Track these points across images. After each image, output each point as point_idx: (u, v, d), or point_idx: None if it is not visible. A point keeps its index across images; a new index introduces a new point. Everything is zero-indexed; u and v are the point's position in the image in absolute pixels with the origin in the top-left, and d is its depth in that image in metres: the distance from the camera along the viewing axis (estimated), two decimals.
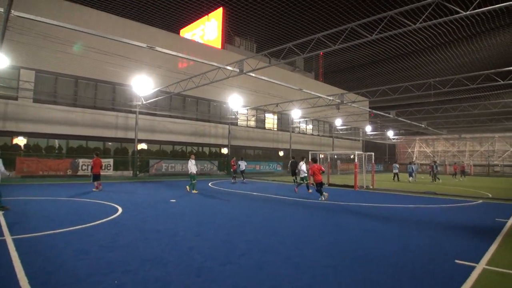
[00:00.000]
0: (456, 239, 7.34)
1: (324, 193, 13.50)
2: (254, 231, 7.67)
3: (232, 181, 21.63)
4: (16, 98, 20.29)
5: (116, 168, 23.05)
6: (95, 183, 14.69)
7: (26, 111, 20.57)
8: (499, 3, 10.74)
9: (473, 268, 5.24)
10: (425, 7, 11.63)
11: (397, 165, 29.77)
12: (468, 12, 10.69)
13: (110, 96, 24.28)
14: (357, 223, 9.16)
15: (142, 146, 25.90)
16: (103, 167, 19.64)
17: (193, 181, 15.20)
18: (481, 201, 14.42)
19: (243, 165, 23.04)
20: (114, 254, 5.52)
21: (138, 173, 23.85)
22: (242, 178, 22.82)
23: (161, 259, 5.34)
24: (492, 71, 18.33)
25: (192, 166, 15.17)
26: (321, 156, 24.87)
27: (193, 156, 15.66)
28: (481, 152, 51.50)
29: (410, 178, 28.07)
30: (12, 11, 11.46)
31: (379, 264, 5.47)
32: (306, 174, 16.59)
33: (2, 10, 11.59)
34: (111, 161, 22.72)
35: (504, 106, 31.61)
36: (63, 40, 20.09)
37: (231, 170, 22.75)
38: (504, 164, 48.35)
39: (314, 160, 14.40)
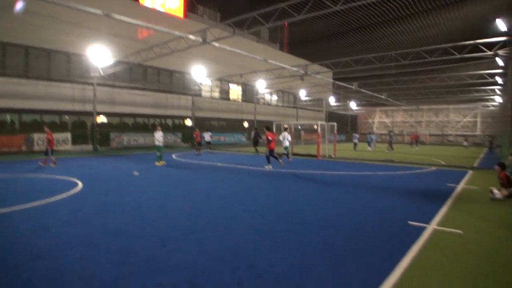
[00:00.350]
0: (410, 203, 7.90)
1: (280, 160, 14.37)
2: (219, 201, 7.81)
3: (197, 153, 21.56)
4: None
5: (74, 142, 22.13)
6: (44, 158, 14.06)
7: None
8: None
9: (424, 228, 5.70)
10: None
11: (357, 135, 30.74)
12: None
13: (65, 67, 22.86)
14: (319, 190, 9.57)
15: (102, 119, 24.93)
16: (60, 142, 18.79)
17: (158, 153, 15.26)
18: (434, 168, 15.43)
19: (208, 136, 23.06)
20: (75, 229, 5.44)
21: (98, 147, 23.08)
22: (208, 149, 22.95)
23: (124, 231, 5.34)
24: (450, 45, 19.13)
25: (159, 137, 15.29)
26: (285, 126, 25.25)
27: (159, 128, 15.68)
28: (436, 122, 54.40)
29: (369, 147, 29.32)
30: None
31: (338, 227, 5.82)
32: (287, 144, 16.85)
33: None
34: (68, 135, 21.75)
35: (459, 79, 33.28)
36: (9, 7, 18.40)
37: (195, 142, 22.57)
38: (457, 134, 51.52)
39: (268, 129, 14.78)
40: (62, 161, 15.48)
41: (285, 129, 17.16)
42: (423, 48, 20.59)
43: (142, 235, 5.17)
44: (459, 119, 52.50)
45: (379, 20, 33.23)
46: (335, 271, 3.97)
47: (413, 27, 34.34)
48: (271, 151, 14.08)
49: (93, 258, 4.21)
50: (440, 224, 6.01)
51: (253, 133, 22.13)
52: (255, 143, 21.83)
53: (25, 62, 21.02)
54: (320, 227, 5.81)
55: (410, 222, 6.04)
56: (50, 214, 6.32)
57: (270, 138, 14.09)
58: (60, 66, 22.59)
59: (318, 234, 5.41)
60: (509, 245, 5.13)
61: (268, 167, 14.05)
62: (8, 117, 20.82)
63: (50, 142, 13.98)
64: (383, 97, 39.70)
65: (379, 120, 60.33)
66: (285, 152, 16.85)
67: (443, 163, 17.78)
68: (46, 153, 14.05)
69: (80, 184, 9.54)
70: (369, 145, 29.80)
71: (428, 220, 6.18)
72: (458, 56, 19.86)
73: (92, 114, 23.21)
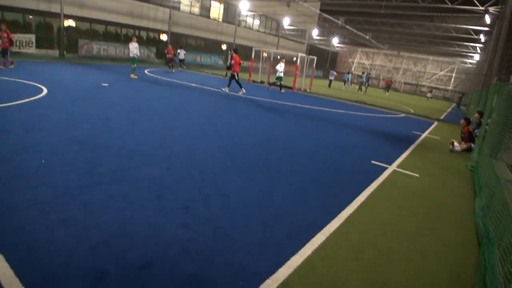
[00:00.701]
0: (376, 145, 8.24)
1: (242, 89, 14.41)
2: (189, 120, 7.75)
3: (169, 70, 20.75)
4: None
5: (38, 45, 20.44)
6: (3, 60, 12.76)
7: None
8: None
9: (385, 168, 6.04)
10: None
11: (334, 73, 30.69)
12: None
13: None
14: (290, 121, 9.69)
15: (70, 23, 22.90)
16: (23, 44, 17.26)
17: (133, 65, 14.96)
18: (403, 115, 15.91)
19: (182, 53, 22.16)
20: (39, 135, 5.25)
21: (65, 53, 21.56)
22: (180, 68, 22.23)
23: (91, 141, 5.22)
24: None
25: (134, 49, 14.90)
26: (265, 54, 24.54)
27: (134, 39, 15.21)
28: (413, 72, 54.75)
29: (344, 86, 29.49)
30: None
31: (306, 158, 6.02)
32: (281, 74, 17.04)
33: None
34: (33, 37, 19.97)
35: (445, 30, 32.81)
36: None
37: (167, 58, 21.50)
38: (430, 86, 52.38)
39: (236, 51, 14.73)
40: (25, 65, 14.44)
41: (281, 59, 17.47)
42: None
43: (109, 146, 5.09)
44: (436, 71, 53.07)
45: None
46: (298, 197, 4.18)
47: None
48: (236, 75, 14.23)
49: (58, 165, 4.13)
50: (400, 166, 6.36)
51: (229, 56, 21.31)
52: (229, 67, 21.30)
53: None
54: (288, 156, 5.98)
55: (373, 162, 6.34)
56: (12, 119, 6.02)
57: (236, 61, 14.18)
58: None
59: (285, 162, 5.58)
60: (456, 193, 5.57)
61: (225, 89, 14.38)
62: None
63: (7, 41, 12.72)
64: (367, 37, 38.88)
65: (359, 61, 59.86)
66: (278, 82, 17.15)
67: (412, 111, 18.33)
68: (3, 54, 12.79)
69: (44, 90, 9.03)
70: (344, 84, 29.91)
71: (389, 162, 6.51)
72: (450, 6, 19.34)
73: (59, 16, 21.21)
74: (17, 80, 10.23)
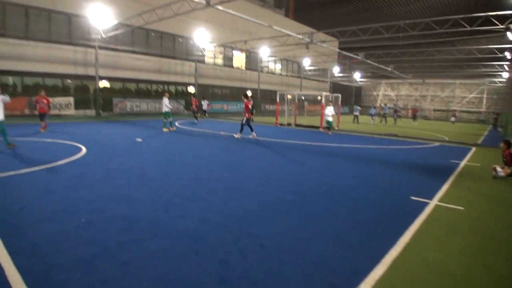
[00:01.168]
0: (413, 178, 7.92)
1: (253, 133, 14.38)
2: (221, 169, 7.84)
3: (195, 121, 21.24)
4: None
5: (77, 107, 21.99)
6: (42, 123, 13.30)
7: None
8: None
9: (426, 204, 5.73)
10: None
11: (359, 108, 30.09)
12: None
13: (66, 29, 22.28)
14: (321, 162, 9.58)
15: (104, 83, 24.64)
16: (63, 106, 18.49)
17: (167, 119, 15.65)
18: (438, 144, 15.38)
19: (205, 104, 24.23)
20: (80, 193, 5.49)
21: (101, 112, 22.98)
22: (205, 116, 23.55)
23: (128, 197, 5.39)
24: (461, 16, 18.44)
25: (167, 104, 15.63)
26: (289, 97, 24.96)
27: (167, 94, 16.03)
28: (442, 97, 53.62)
29: (371, 121, 29.23)
30: None
31: (341, 198, 5.86)
32: (331, 118, 17.23)
33: None
34: (71, 99, 21.57)
35: (468, 53, 32.40)
36: None
37: (192, 109, 21.89)
38: (462, 110, 50.95)
39: (246, 96, 14.53)
40: (65, 126, 15.48)
41: (328, 102, 17.55)
42: (433, 19, 19.84)
43: (145, 201, 5.22)
44: (465, 94, 51.69)
45: None
46: (337, 241, 4.02)
47: None
48: (247, 120, 14.17)
49: (98, 223, 4.26)
50: (442, 200, 6.03)
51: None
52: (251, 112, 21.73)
53: (25, 23, 20.48)
54: (322, 198, 5.84)
55: (413, 198, 6.07)
56: (54, 179, 6.37)
57: (247, 106, 14.15)
58: (60, 27, 22.00)
59: (320, 205, 5.45)
60: (508, 223, 5.17)
61: (238, 136, 14.23)
62: (10, 80, 20.57)
63: (46, 106, 13.50)
64: (389, 69, 38.89)
65: (384, 93, 59.54)
66: (328, 126, 17.23)
67: (447, 139, 17.71)
68: (41, 117, 13.37)
69: (84, 149, 9.56)
70: (372, 117, 29.65)
71: (430, 196, 6.20)
72: (469, 28, 19.20)
73: (94, 78, 22.92)
74: (59, 141, 10.91)
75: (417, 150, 13.06)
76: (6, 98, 9.24)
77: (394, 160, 10.36)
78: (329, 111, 16.97)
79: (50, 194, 5.40)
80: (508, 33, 19.77)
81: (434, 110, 51.04)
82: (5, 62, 19.48)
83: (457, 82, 51.59)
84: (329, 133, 17.05)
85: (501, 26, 17.91)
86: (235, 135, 14.37)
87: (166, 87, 28.90)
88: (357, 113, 29.20)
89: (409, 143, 15.06)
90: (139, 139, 12.19)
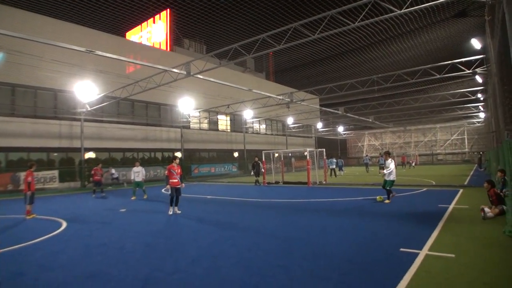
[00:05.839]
0: (401, 228, 7.75)
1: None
2: (206, 237, 7.57)
3: (93, 195, 17.48)
4: None
5: (62, 179, 21.69)
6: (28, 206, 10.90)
7: None
8: (430, 2, 11.61)
9: (416, 254, 5.55)
10: (362, 7, 12.22)
11: (334, 160, 27.15)
12: (402, 11, 11.38)
13: (52, 104, 22.75)
14: (307, 219, 9.38)
15: (90, 154, 24.62)
16: (47, 180, 18.18)
17: (135, 188, 15.35)
18: (425, 189, 15.40)
19: (114, 172, 23.36)
20: (53, 274, 5.17)
21: (86, 183, 22.65)
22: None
23: (106, 274, 5.08)
24: (429, 66, 19.67)
25: (134, 173, 15.17)
26: (276, 155, 25.23)
27: (137, 164, 15.56)
28: (425, 142, 55.14)
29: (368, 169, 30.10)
30: None
31: (328, 259, 5.63)
32: (393, 177, 12.12)
33: None
34: (56, 172, 21.35)
35: (442, 98, 34.05)
36: None
37: (92, 180, 18.65)
38: (446, 152, 52.18)
39: (174, 159, 11.62)
40: (48, 199, 15.08)
41: (388, 154, 12.67)
42: (404, 71, 21.04)
43: (123, 277, 4.92)
44: (447, 137, 53.31)
45: (358, 46, 34.49)
46: None
47: (392, 50, 35.61)
48: (175, 190, 11.00)
49: None
50: (432, 248, 5.88)
51: (253, 163, 21.28)
52: (257, 173, 20.95)
53: (11, 101, 20.90)
54: (309, 260, 5.60)
55: (402, 249, 5.90)
56: (27, 258, 6.03)
57: (171, 171, 11.10)
58: (46, 103, 22.47)
59: (307, 268, 5.21)
60: (501, 266, 5.01)
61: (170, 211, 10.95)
62: None
63: (32, 185, 11.05)
64: (370, 120, 40.27)
65: (368, 143, 60.89)
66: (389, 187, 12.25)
67: (433, 183, 17.80)
68: (31, 200, 10.94)
69: (64, 224, 9.23)
70: (366, 167, 30.71)
71: (420, 246, 6.04)
72: (438, 76, 20.39)
73: (80, 150, 22.93)
74: (39, 216, 10.55)
75: (403, 198, 12.99)
76: None
77: (380, 210, 10.21)
78: (332, 163, 15.80)
79: (19, 276, 5.06)
80: (477, 77, 21.08)
81: (420, 155, 52.11)
82: None
83: (437, 126, 53.42)
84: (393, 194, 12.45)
85: (468, 71, 19.10)
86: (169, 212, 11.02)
87: (153, 154, 29.00)
88: (333, 166, 26.41)
89: (396, 190, 15.05)
90: (122, 210, 11.88)
